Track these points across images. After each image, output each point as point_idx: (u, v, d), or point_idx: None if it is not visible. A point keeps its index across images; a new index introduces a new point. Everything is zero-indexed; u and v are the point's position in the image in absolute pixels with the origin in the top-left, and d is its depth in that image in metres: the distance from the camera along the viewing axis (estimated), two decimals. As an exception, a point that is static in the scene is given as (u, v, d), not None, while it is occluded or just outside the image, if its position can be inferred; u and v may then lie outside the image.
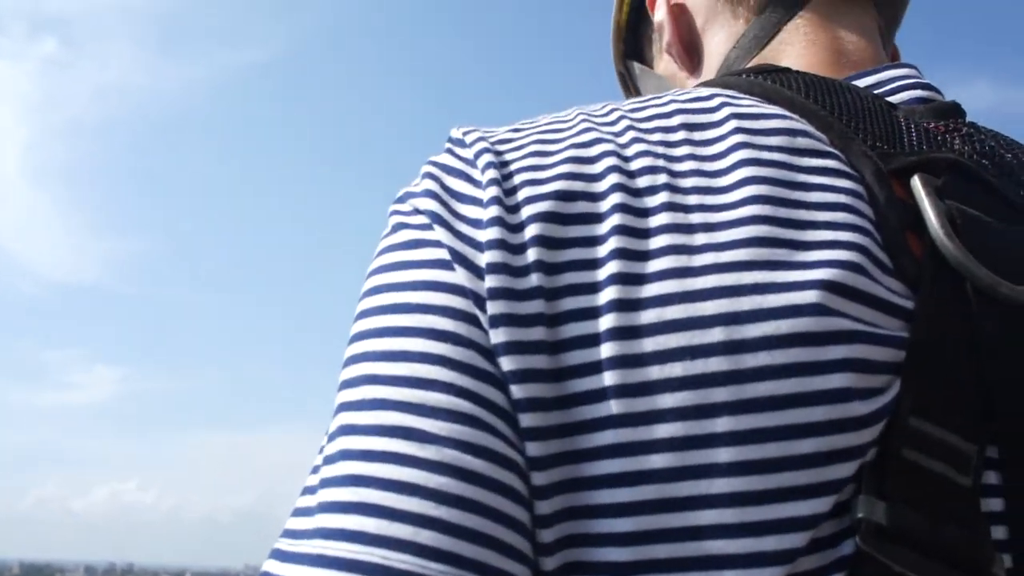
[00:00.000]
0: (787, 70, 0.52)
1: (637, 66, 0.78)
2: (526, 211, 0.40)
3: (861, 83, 0.53)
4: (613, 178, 0.41)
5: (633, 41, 0.78)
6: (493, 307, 0.38)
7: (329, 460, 0.38)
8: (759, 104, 0.47)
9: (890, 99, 0.52)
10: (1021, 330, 0.41)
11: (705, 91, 0.48)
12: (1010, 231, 0.44)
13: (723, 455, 0.36)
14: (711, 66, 0.65)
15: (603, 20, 0.81)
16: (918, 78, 0.54)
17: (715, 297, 0.38)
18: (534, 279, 0.39)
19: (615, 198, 0.41)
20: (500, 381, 0.38)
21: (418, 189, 0.44)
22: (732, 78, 0.52)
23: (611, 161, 0.42)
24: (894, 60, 0.63)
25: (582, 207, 0.41)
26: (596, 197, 0.41)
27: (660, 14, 0.67)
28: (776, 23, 0.61)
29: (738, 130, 0.44)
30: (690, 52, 0.66)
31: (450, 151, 0.46)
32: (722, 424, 0.36)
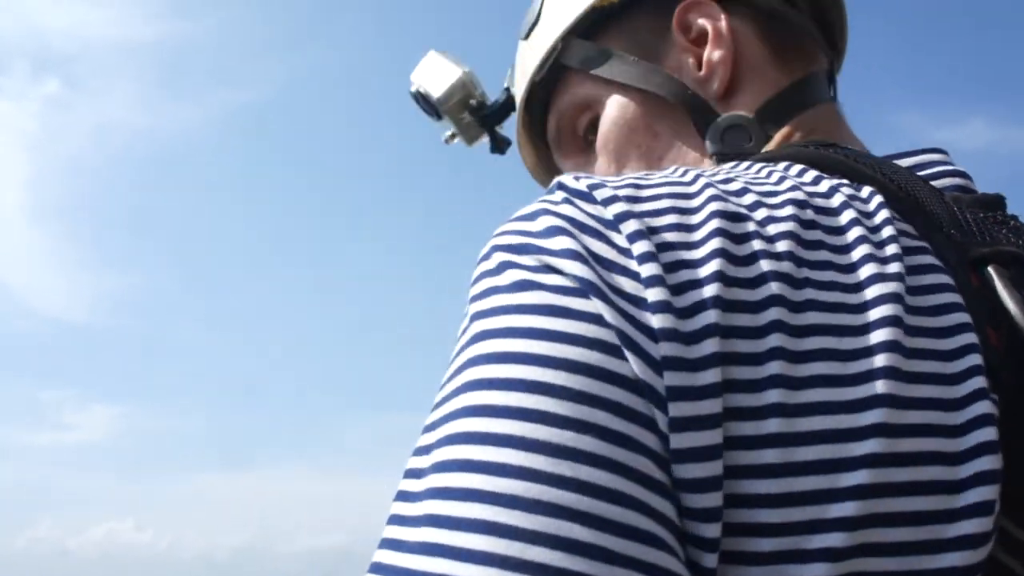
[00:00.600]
0: (844, 147, 0.52)
1: (613, 51, 0.69)
2: (692, 295, 0.37)
3: (904, 163, 0.53)
4: (766, 264, 0.39)
5: (598, 25, 0.70)
6: (675, 409, 0.35)
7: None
8: (853, 187, 0.45)
9: (934, 183, 0.51)
10: None
11: (811, 176, 0.46)
12: None
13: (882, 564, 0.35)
14: (744, 103, 0.64)
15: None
16: (953, 164, 0.55)
17: (870, 407, 0.37)
18: (712, 375, 0.35)
19: (771, 288, 0.38)
20: (670, 491, 0.34)
21: (552, 245, 0.38)
22: (815, 152, 0.50)
23: (759, 244, 0.39)
24: None
25: (741, 293, 0.37)
26: (751, 283, 0.38)
27: (718, 27, 0.65)
28: (812, 94, 0.65)
29: (857, 221, 0.42)
30: (733, 80, 0.65)
31: (572, 203, 0.40)
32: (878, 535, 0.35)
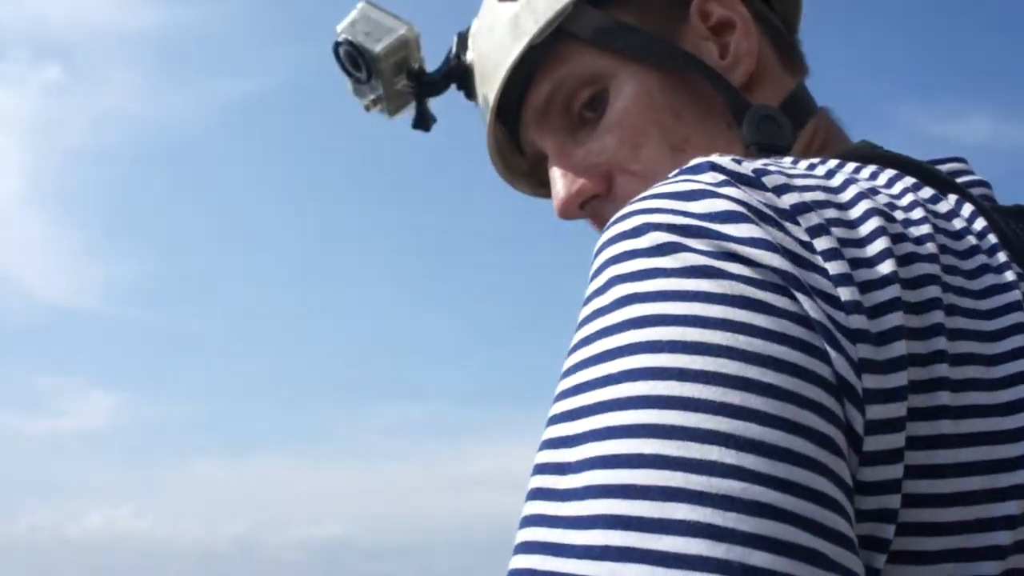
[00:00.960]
0: (908, 158, 0.50)
1: (629, 23, 0.63)
2: (877, 296, 0.35)
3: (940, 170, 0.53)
4: (923, 267, 0.38)
5: None
6: (871, 412, 0.34)
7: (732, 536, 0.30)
8: (959, 208, 0.44)
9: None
10: None
11: (905, 178, 0.45)
12: None
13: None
14: (765, 98, 0.62)
15: None
16: (975, 173, 0.55)
17: (1020, 410, 0.37)
18: (900, 378, 0.35)
19: (932, 291, 0.37)
20: (852, 495, 0.34)
21: (736, 232, 0.35)
22: (899, 157, 0.49)
23: (911, 247, 0.38)
24: None
25: (909, 296, 0.37)
26: (914, 284, 0.37)
27: (743, 17, 0.63)
28: (815, 107, 0.65)
29: (967, 231, 0.42)
30: (756, 72, 0.62)
31: (738, 187, 0.37)
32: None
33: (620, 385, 0.33)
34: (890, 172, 0.45)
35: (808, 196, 0.38)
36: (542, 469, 0.34)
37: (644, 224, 0.37)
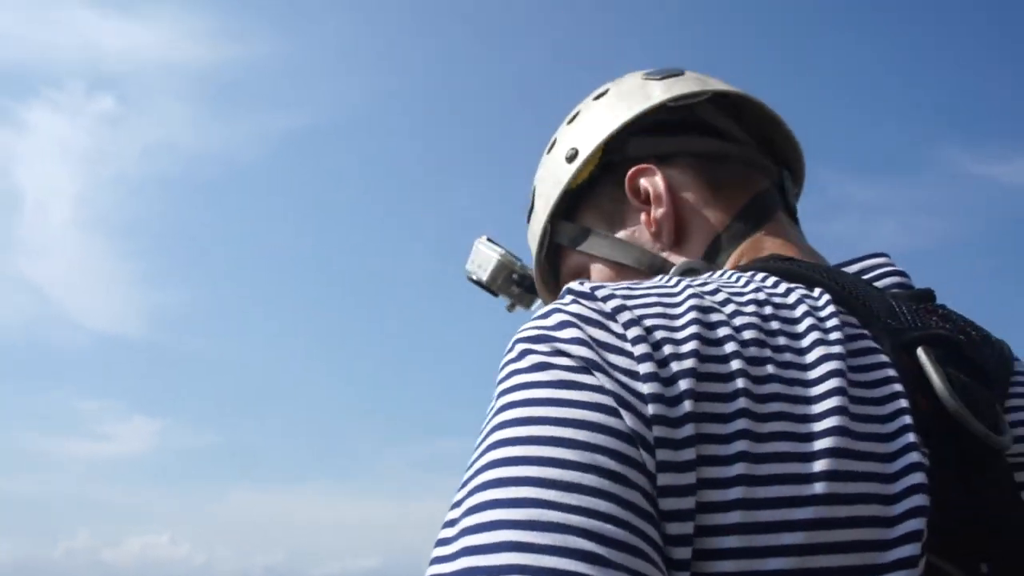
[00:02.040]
0: (796, 260, 0.64)
1: (590, 229, 0.82)
2: (674, 367, 0.47)
3: (851, 269, 0.65)
4: (731, 345, 0.49)
5: (574, 202, 0.84)
6: (661, 455, 0.45)
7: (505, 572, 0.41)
8: (805, 289, 0.57)
9: (875, 284, 0.63)
10: (996, 471, 0.52)
11: (770, 280, 0.57)
12: (985, 392, 0.55)
13: None
14: (694, 247, 0.76)
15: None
16: (893, 265, 0.66)
17: (820, 458, 0.46)
18: (688, 429, 0.45)
19: (736, 364, 0.48)
20: (657, 520, 0.44)
21: (562, 334, 0.50)
22: (776, 264, 0.62)
23: (727, 331, 0.50)
24: None
25: (712, 367, 0.48)
26: (721, 360, 0.49)
27: (654, 187, 0.77)
28: (757, 219, 0.75)
29: (809, 313, 0.54)
30: (679, 230, 0.77)
31: (579, 303, 0.52)
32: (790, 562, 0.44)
33: (482, 458, 0.46)
34: (754, 277, 0.58)
35: (630, 301, 0.51)
36: (444, 524, 0.47)
37: (514, 342, 0.52)
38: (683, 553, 0.44)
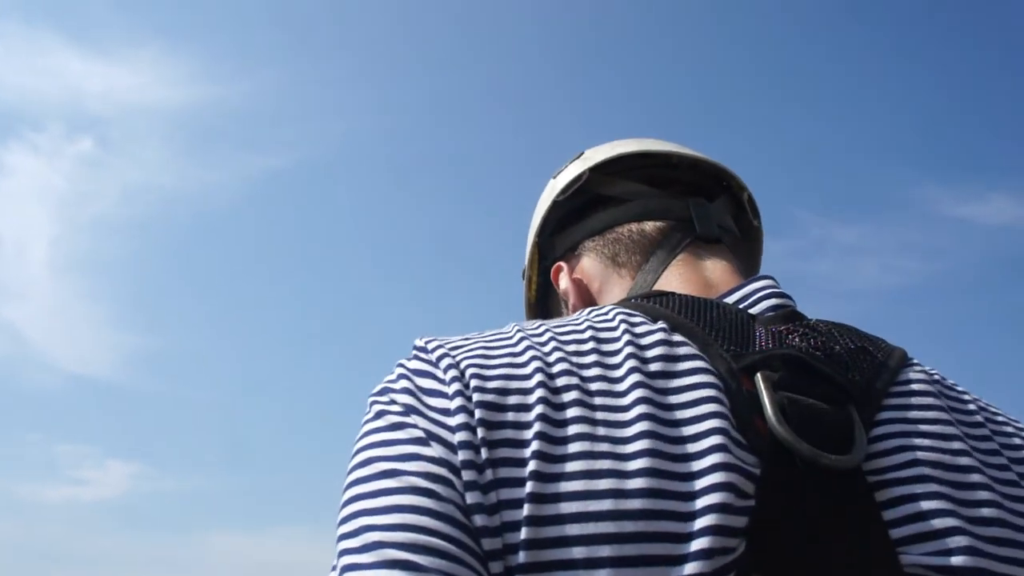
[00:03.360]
0: (671, 294, 0.69)
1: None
2: (476, 399, 0.54)
3: (731, 298, 0.70)
4: (538, 377, 0.56)
5: (545, 314, 1.00)
6: (467, 475, 0.51)
7: None
8: (646, 322, 0.62)
9: (753, 309, 0.68)
10: (838, 490, 0.54)
11: (610, 312, 0.64)
12: (831, 411, 0.57)
13: None
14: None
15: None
16: (774, 288, 0.71)
17: (609, 497, 0.50)
18: (485, 453, 0.52)
19: (539, 392, 0.55)
20: (472, 530, 0.50)
21: (396, 386, 0.59)
22: (628, 301, 0.68)
23: (537, 364, 0.57)
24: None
25: (515, 399, 0.55)
26: (526, 392, 0.55)
27: (564, 284, 0.90)
28: (656, 269, 0.82)
29: (630, 342, 0.59)
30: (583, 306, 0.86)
31: (417, 357, 0.61)
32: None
33: (342, 498, 0.55)
34: (607, 314, 0.64)
35: (455, 351, 0.59)
36: None
37: (368, 396, 0.60)
38: (497, 567, 0.49)
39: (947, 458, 0.57)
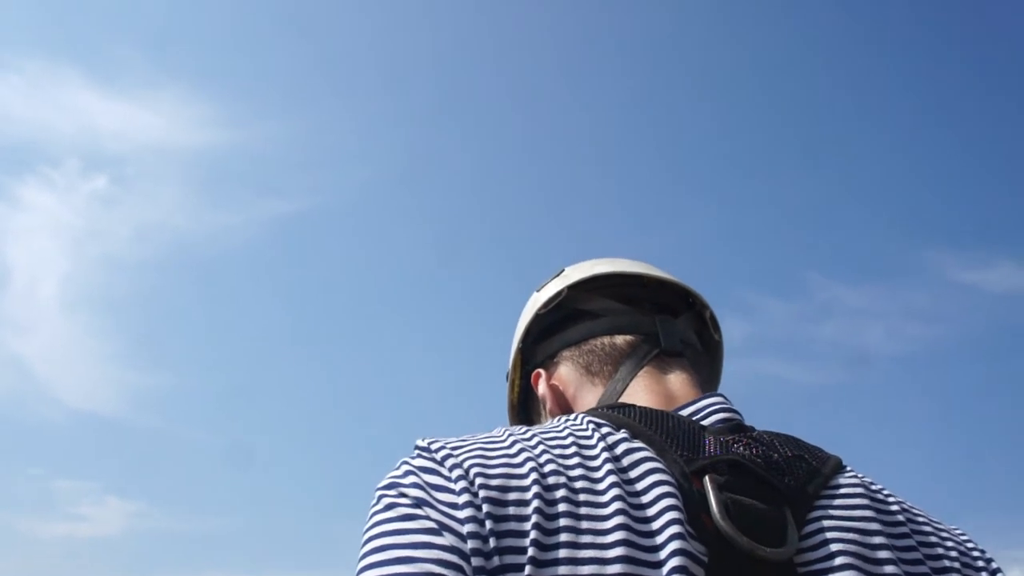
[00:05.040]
0: (632, 406, 0.79)
1: (530, 419, 1.10)
2: (482, 495, 0.63)
3: (686, 411, 0.81)
4: (533, 476, 0.65)
5: (525, 414, 1.11)
6: (476, 561, 0.60)
7: None
8: (612, 430, 0.73)
9: (705, 420, 0.79)
10: None
11: (583, 422, 0.75)
12: (768, 510, 0.68)
13: None
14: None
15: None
16: (723, 404, 0.82)
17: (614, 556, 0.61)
18: (493, 542, 0.61)
19: (534, 489, 0.64)
20: None
21: (404, 481, 0.67)
22: (596, 410, 0.79)
23: (531, 465, 0.67)
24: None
25: (514, 495, 0.64)
26: (524, 490, 0.64)
27: (542, 390, 1.00)
28: (625, 379, 0.92)
29: (605, 448, 0.70)
30: (567, 413, 0.94)
31: (420, 455, 0.70)
32: None
33: None
34: (583, 422, 0.75)
35: (457, 451, 0.68)
36: None
37: (375, 490, 0.68)
38: None
39: (867, 551, 0.68)
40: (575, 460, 0.68)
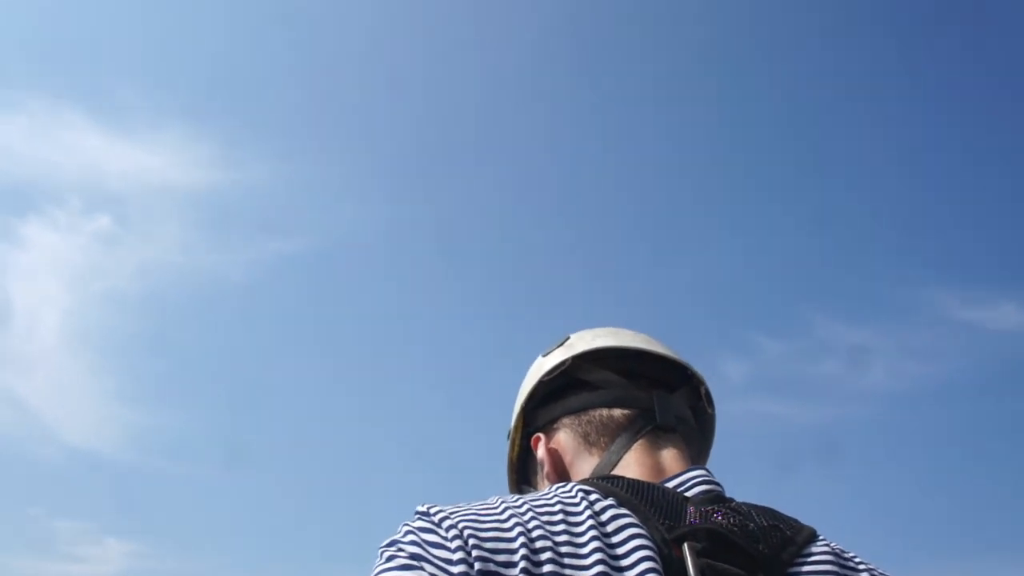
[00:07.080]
0: (621, 477, 0.87)
1: (528, 489, 1.15)
2: (475, 554, 0.71)
3: (672, 483, 0.88)
4: (521, 539, 0.72)
5: (523, 471, 1.17)
6: None
7: None
8: (601, 498, 0.80)
9: (688, 492, 0.86)
10: None
11: (573, 491, 0.82)
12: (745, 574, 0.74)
13: None
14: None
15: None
16: (706, 476, 0.90)
17: None
18: None
19: (522, 551, 0.71)
20: None
21: (404, 540, 0.75)
22: (589, 480, 0.86)
23: (520, 529, 0.74)
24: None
25: (503, 557, 0.71)
26: (512, 552, 0.72)
27: (541, 453, 1.06)
28: (619, 452, 0.98)
29: (591, 516, 0.77)
30: (562, 478, 1.02)
31: (420, 519, 0.77)
32: None
33: None
34: (572, 490, 0.82)
35: (453, 515, 0.75)
36: None
37: (379, 548, 0.75)
38: None
39: None
40: (561, 527, 0.75)
